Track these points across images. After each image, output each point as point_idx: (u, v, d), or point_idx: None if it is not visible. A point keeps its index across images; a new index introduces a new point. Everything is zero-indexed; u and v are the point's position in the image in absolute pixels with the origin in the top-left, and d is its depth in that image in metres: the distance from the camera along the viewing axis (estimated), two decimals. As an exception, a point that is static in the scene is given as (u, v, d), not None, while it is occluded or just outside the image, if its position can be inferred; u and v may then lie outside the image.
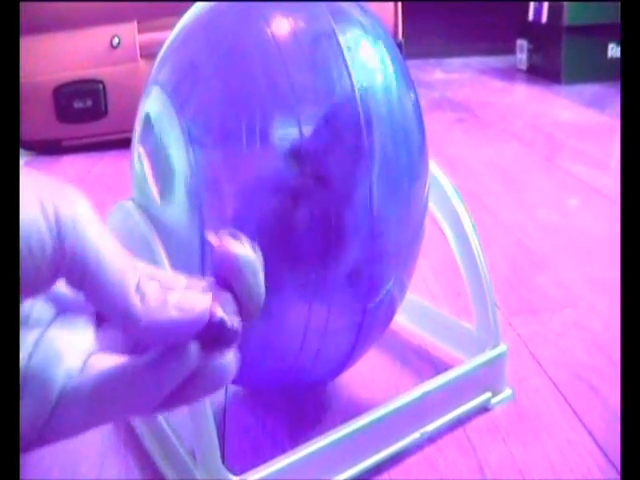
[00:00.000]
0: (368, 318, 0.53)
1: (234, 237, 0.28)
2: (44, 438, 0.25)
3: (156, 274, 0.26)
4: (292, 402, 0.62)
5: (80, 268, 0.24)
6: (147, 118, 0.53)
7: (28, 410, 0.24)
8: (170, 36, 0.54)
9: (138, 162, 0.55)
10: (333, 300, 0.50)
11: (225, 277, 0.27)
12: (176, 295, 0.26)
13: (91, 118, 1.57)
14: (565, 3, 2.09)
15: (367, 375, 0.65)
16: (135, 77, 1.54)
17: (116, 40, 1.55)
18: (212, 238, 0.28)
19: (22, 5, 1.42)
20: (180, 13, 0.55)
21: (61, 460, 0.55)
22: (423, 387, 0.56)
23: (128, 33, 1.56)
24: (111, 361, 0.27)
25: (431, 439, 0.56)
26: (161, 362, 0.26)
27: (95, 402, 0.26)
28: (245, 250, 0.27)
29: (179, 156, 0.49)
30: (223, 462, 0.48)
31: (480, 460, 0.54)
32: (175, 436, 0.52)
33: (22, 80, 1.51)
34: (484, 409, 0.60)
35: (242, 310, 0.27)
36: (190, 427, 0.48)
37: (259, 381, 0.59)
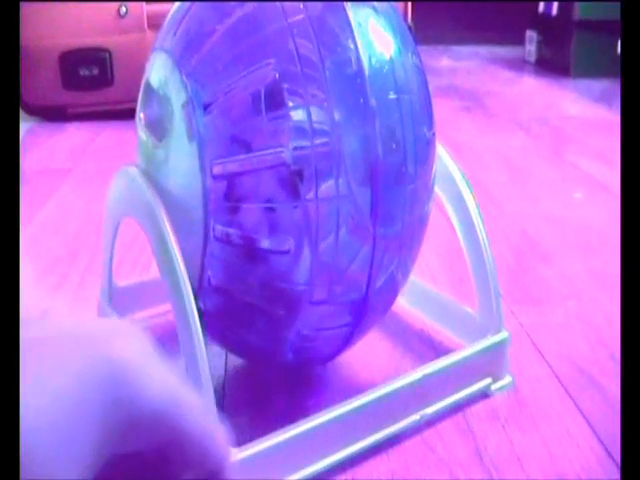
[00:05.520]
0: (370, 300, 0.52)
1: None
2: None
3: None
4: (291, 379, 0.62)
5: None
6: (152, 84, 0.53)
7: None
8: (176, 3, 0.54)
9: (141, 128, 0.55)
10: (335, 277, 0.50)
11: None
12: None
13: (97, 86, 1.56)
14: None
15: (368, 356, 0.65)
16: (142, 47, 1.53)
17: (123, 9, 1.54)
18: None
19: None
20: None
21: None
22: (423, 369, 0.56)
23: (136, 3, 1.55)
24: None
25: (430, 422, 0.56)
26: None
27: None
28: None
29: (184, 120, 0.48)
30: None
31: (479, 446, 0.54)
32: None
33: (28, 43, 1.50)
34: (484, 395, 0.60)
35: None
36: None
37: (260, 358, 0.59)
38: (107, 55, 1.55)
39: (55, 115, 1.57)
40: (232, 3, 0.49)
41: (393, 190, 0.49)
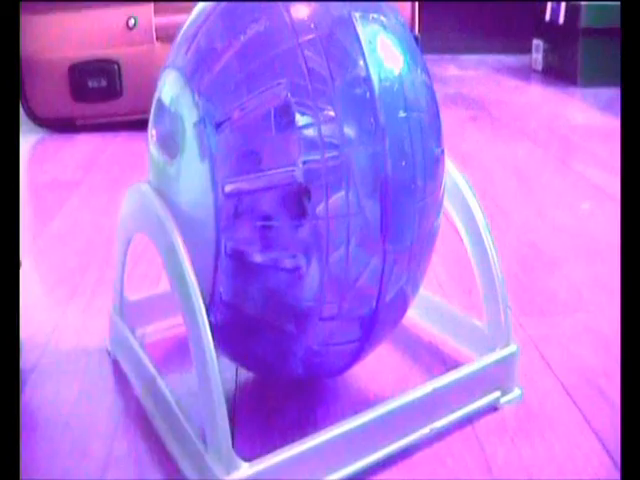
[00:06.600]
0: (380, 315, 0.53)
1: None
2: None
3: None
4: (301, 392, 0.62)
5: None
6: (163, 101, 0.53)
7: None
8: (188, 20, 0.54)
9: (153, 145, 0.55)
10: (345, 293, 0.50)
11: None
12: None
13: (105, 98, 1.57)
14: (583, 5, 2.08)
15: (377, 369, 0.65)
16: (150, 59, 1.54)
17: (132, 21, 1.55)
18: None
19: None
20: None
21: (71, 438, 0.55)
22: (433, 383, 0.56)
23: (144, 15, 1.56)
24: None
25: (440, 436, 0.57)
26: None
27: None
28: None
29: (196, 138, 0.49)
30: (233, 447, 0.48)
31: (488, 459, 0.54)
32: (186, 418, 0.52)
33: (38, 55, 1.51)
34: (493, 408, 0.60)
35: None
36: (201, 410, 0.49)
37: (270, 372, 0.59)
38: (116, 67, 1.56)
39: (64, 127, 1.58)
40: (243, 22, 0.50)
41: (403, 206, 0.50)
